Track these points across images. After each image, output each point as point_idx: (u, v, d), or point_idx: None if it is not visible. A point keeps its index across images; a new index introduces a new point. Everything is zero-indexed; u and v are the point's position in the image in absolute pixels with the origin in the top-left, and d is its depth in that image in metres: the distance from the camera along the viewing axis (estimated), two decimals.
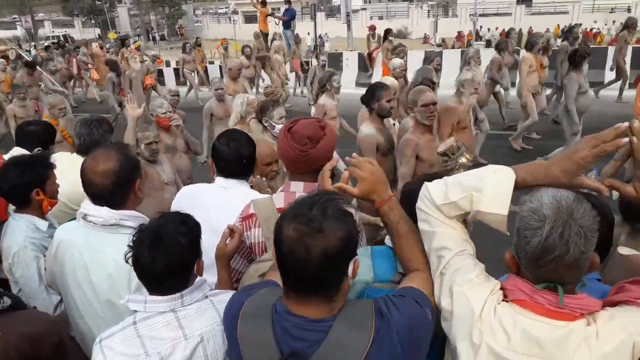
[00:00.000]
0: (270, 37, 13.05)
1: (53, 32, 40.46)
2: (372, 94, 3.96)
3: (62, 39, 29.83)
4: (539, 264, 1.21)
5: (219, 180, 2.32)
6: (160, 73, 14.94)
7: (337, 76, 5.88)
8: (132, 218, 1.89)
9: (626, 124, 1.23)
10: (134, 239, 1.53)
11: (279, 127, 3.79)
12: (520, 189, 1.35)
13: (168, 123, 4.38)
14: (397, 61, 6.47)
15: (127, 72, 10.45)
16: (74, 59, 14.65)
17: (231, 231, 1.85)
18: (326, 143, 1.83)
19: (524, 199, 1.27)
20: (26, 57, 13.78)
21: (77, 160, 2.64)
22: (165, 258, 1.48)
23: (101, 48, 16.41)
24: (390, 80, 5.07)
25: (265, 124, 3.96)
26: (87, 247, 1.89)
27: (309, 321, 1.22)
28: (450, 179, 1.46)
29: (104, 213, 1.86)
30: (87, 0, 41.49)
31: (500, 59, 8.29)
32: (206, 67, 15.00)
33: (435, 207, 1.44)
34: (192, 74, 13.32)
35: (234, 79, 7.17)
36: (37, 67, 10.80)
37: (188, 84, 13.41)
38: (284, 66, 12.13)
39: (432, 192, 1.46)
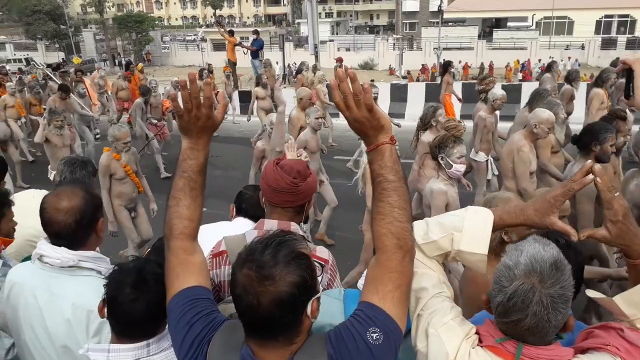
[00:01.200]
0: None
1: (14, 55, 39.58)
2: (595, 135, 3.46)
3: (24, 61, 29.23)
4: (501, 320, 1.24)
5: (240, 219, 2.52)
6: None
7: (441, 110, 5.40)
8: (91, 259, 1.82)
9: (590, 162, 1.30)
10: (111, 278, 1.51)
11: (457, 167, 3.44)
12: (500, 229, 1.38)
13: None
14: (498, 92, 6.10)
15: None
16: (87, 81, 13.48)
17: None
18: (312, 181, 1.93)
19: (509, 248, 1.29)
20: (55, 78, 12.44)
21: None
22: (147, 298, 1.46)
23: (141, 71, 15.17)
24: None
25: (441, 162, 3.53)
26: (42, 290, 1.79)
27: None
28: (431, 219, 1.49)
29: (62, 254, 1.77)
30: (51, 24, 40.80)
31: (572, 90, 7.74)
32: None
33: (415, 246, 1.44)
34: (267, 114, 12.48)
35: (304, 109, 6.52)
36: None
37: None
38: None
39: (414, 231, 1.46)
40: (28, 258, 1.95)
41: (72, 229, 1.79)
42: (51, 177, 6.13)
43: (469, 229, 1.38)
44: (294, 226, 1.90)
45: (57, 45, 42.05)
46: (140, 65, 15.86)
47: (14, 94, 10.27)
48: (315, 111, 5.83)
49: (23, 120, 10.27)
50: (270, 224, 1.89)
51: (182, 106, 1.40)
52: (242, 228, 2.17)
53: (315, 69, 12.73)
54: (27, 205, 2.33)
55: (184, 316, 1.31)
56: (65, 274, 1.79)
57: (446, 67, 11.39)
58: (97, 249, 2.00)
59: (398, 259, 1.30)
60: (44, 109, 10.44)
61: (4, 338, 2.13)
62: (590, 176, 1.26)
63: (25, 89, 11.58)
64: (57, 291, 1.78)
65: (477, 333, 1.32)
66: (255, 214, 2.37)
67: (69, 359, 1.78)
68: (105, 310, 1.52)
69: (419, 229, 1.47)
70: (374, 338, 1.21)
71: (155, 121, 9.71)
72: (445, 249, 1.42)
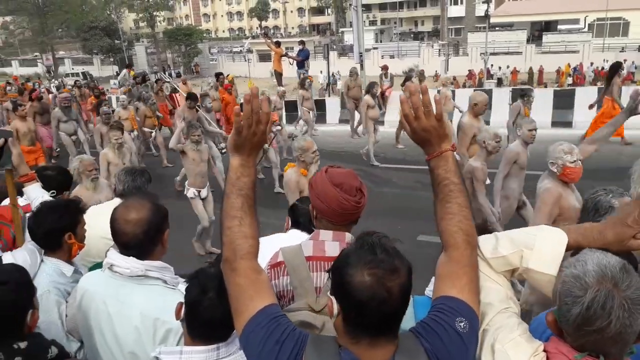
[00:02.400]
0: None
1: (73, 69, 41.66)
2: None
3: (81, 75, 30.75)
4: (580, 333, 1.18)
5: (295, 231, 2.55)
6: None
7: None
8: (158, 269, 1.88)
9: None
10: (194, 282, 1.56)
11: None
12: (572, 250, 1.34)
13: None
14: (478, 96, 6.18)
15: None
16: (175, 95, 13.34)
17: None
18: (366, 191, 1.90)
19: (568, 262, 1.25)
20: (179, 90, 12.27)
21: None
22: (228, 304, 1.47)
23: (184, 83, 15.02)
24: None
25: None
26: (112, 298, 1.87)
27: None
28: (501, 234, 1.48)
29: (131, 264, 1.85)
30: (107, 39, 42.75)
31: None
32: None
33: (483, 260, 1.44)
34: (310, 112, 12.14)
35: (477, 115, 6.12)
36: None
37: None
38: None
39: (482, 245, 1.46)
40: (97, 266, 2.05)
41: (140, 240, 1.87)
42: (189, 195, 6.09)
43: (541, 248, 1.36)
44: (348, 236, 1.89)
45: (111, 59, 43.99)
46: (231, 75, 15.23)
47: (126, 107, 10.24)
48: (530, 122, 5.17)
49: (135, 133, 10.06)
50: (325, 235, 1.88)
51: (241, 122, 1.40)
52: (297, 240, 2.19)
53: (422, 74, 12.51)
54: (97, 210, 2.46)
55: (272, 336, 1.29)
56: (133, 282, 1.87)
57: (617, 68, 10.16)
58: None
59: (469, 254, 1.41)
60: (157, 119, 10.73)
61: (72, 341, 2.24)
62: None
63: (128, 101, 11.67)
64: (126, 299, 1.85)
65: (544, 350, 1.29)
66: (310, 227, 2.39)
67: None
68: (182, 312, 1.57)
69: (487, 244, 1.46)
70: (462, 327, 1.30)
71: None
72: (514, 265, 1.40)
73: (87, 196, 4.03)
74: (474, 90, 7.58)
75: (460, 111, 11.12)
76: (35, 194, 2.90)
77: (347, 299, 1.23)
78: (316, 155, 4.54)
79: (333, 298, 1.30)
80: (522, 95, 8.44)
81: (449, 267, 1.41)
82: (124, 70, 19.04)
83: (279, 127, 9.06)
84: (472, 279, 1.40)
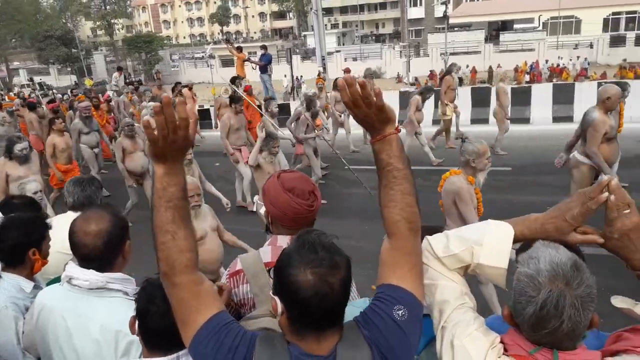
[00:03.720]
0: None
1: (28, 79, 40.35)
2: None
3: (37, 86, 29.76)
4: (534, 331, 1.23)
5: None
6: None
7: None
8: (119, 281, 1.85)
9: (608, 177, 1.31)
10: (142, 292, 1.53)
11: None
12: (518, 242, 1.38)
13: None
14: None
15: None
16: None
17: (220, 289, 1.82)
18: (319, 193, 1.91)
19: (522, 258, 1.29)
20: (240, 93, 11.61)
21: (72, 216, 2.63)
22: None
23: (190, 89, 13.71)
24: None
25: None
26: (71, 312, 1.83)
27: (325, 357, 1.28)
28: (452, 232, 1.50)
29: (90, 276, 1.81)
30: (63, 48, 41.61)
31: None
32: None
33: (436, 259, 1.47)
34: (342, 115, 11.17)
35: (608, 111, 5.58)
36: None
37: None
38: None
39: (434, 244, 1.49)
40: (56, 280, 1.99)
41: (100, 252, 1.83)
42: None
43: (489, 243, 1.39)
44: None
45: (69, 69, 42.83)
46: (191, 84, 14.74)
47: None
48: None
49: None
50: (283, 240, 1.88)
51: (155, 133, 1.29)
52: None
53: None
54: (56, 223, 2.39)
55: (224, 343, 1.28)
56: (93, 295, 1.82)
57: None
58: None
59: (412, 242, 1.42)
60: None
61: (28, 358, 2.18)
62: (606, 194, 1.29)
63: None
64: (85, 312, 1.81)
65: (501, 342, 1.33)
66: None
67: None
68: (137, 325, 1.54)
69: (439, 242, 1.48)
70: (400, 315, 1.33)
71: None
72: (465, 261, 1.43)
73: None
74: (604, 84, 6.81)
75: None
76: None
77: (291, 298, 1.25)
78: (489, 161, 3.91)
79: (276, 298, 1.31)
80: (622, 89, 7.32)
81: (391, 256, 1.43)
82: (115, 74, 18.52)
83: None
84: (415, 265, 1.42)
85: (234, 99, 8.00)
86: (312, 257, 1.25)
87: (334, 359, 1.26)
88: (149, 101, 11.28)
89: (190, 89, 14.11)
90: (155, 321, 1.48)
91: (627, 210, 1.29)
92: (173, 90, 13.45)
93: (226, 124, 7.73)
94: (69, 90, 19.47)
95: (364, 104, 1.37)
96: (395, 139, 1.44)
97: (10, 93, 20.82)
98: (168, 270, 1.35)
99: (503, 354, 1.28)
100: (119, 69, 19.68)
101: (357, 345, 1.28)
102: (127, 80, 17.34)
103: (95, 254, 1.83)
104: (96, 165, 9.11)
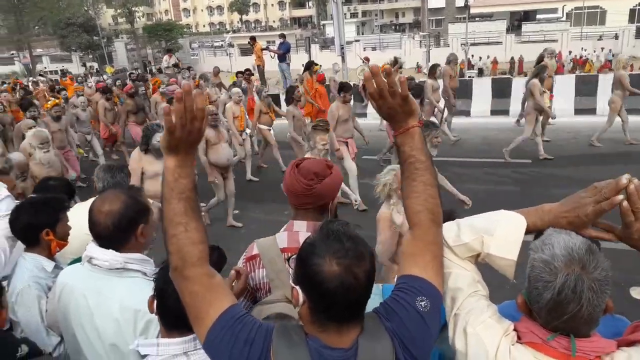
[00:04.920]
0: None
1: (51, 66, 40.88)
2: None
3: (59, 73, 30.15)
4: (552, 316, 1.22)
5: None
6: None
7: None
8: (138, 261, 1.89)
9: (627, 177, 1.26)
10: (160, 273, 1.54)
11: None
12: (530, 233, 1.38)
13: None
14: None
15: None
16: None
17: (237, 273, 1.84)
18: (331, 181, 1.88)
19: (535, 245, 1.28)
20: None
21: None
22: None
23: (215, 75, 13.68)
24: None
25: None
26: (91, 291, 1.87)
27: (346, 350, 1.25)
28: (463, 221, 1.49)
29: (109, 256, 1.85)
30: (85, 35, 42.03)
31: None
32: None
33: (447, 247, 1.46)
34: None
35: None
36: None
37: None
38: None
39: (445, 233, 1.48)
40: (77, 260, 2.04)
41: (109, 231, 1.86)
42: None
43: (501, 234, 1.38)
44: None
45: (90, 56, 43.27)
46: (233, 77, 13.85)
47: (239, 102, 8.47)
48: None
49: (248, 131, 8.76)
50: (299, 225, 1.89)
51: (174, 121, 1.29)
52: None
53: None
54: (84, 207, 2.45)
55: (239, 337, 1.27)
56: (113, 275, 1.86)
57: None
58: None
59: (433, 232, 1.43)
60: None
61: (52, 336, 2.25)
62: (620, 196, 1.25)
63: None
64: (105, 292, 1.85)
65: (515, 330, 1.32)
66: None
67: (117, 357, 1.85)
68: (155, 305, 1.57)
69: (450, 231, 1.48)
70: (423, 306, 1.31)
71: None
72: (476, 250, 1.43)
73: None
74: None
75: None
76: None
77: (316, 289, 1.23)
78: None
79: (298, 288, 1.29)
80: None
81: (412, 246, 1.43)
82: (165, 57, 18.22)
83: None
84: (436, 256, 1.41)
85: (345, 86, 7.18)
86: (337, 247, 1.23)
87: (356, 351, 1.24)
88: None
89: (216, 74, 13.81)
90: (173, 301, 1.49)
91: None
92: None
93: (334, 114, 6.94)
94: (128, 75, 18.62)
95: (389, 95, 1.37)
96: (418, 132, 1.45)
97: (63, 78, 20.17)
98: (180, 263, 1.33)
99: (517, 341, 1.28)
100: (169, 51, 19.00)
101: (379, 336, 1.27)
102: (175, 63, 16.74)
103: (105, 233, 1.87)
104: None
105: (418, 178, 1.43)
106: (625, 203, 1.25)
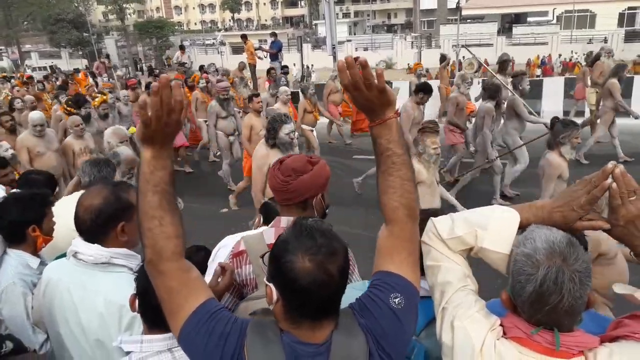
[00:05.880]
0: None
1: (40, 63, 40.49)
2: None
3: (49, 69, 29.81)
4: (535, 309, 1.23)
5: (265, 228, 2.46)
6: None
7: None
8: (123, 257, 1.87)
9: (612, 163, 1.30)
10: (142, 271, 1.52)
11: None
12: (523, 228, 1.39)
13: None
14: None
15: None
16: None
17: (223, 269, 1.83)
18: (310, 177, 1.87)
19: (517, 240, 1.30)
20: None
21: None
22: None
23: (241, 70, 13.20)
24: None
25: None
26: (76, 286, 1.86)
27: (319, 346, 1.25)
28: (457, 215, 1.50)
29: (94, 251, 1.84)
30: (75, 32, 41.64)
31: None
32: None
33: (440, 241, 1.47)
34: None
35: None
36: None
37: None
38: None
39: (438, 226, 1.49)
40: (63, 256, 2.02)
41: (87, 226, 1.87)
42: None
43: (494, 228, 1.39)
44: None
45: (80, 53, 42.89)
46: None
47: (287, 102, 7.88)
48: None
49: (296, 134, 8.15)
50: (286, 221, 1.89)
51: (149, 113, 1.26)
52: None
53: None
54: (72, 201, 2.43)
55: (214, 331, 1.26)
56: (98, 270, 1.85)
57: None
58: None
59: (409, 228, 1.41)
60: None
61: (38, 333, 2.22)
62: (609, 180, 1.29)
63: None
64: (90, 287, 1.83)
65: (501, 325, 1.33)
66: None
67: (102, 352, 1.83)
68: (137, 303, 1.56)
69: (444, 225, 1.48)
70: (397, 302, 1.32)
71: None
72: (469, 244, 1.43)
73: None
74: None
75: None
76: None
77: (289, 286, 1.22)
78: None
79: (272, 285, 1.27)
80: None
81: (389, 242, 1.42)
82: (177, 53, 17.78)
83: None
84: (412, 253, 1.41)
85: (425, 87, 6.37)
86: (310, 243, 1.22)
87: (329, 347, 1.24)
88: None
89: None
90: (155, 299, 1.49)
91: (633, 197, 1.28)
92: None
93: (409, 116, 6.27)
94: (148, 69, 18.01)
95: (364, 87, 1.34)
96: (395, 123, 1.41)
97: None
98: (154, 257, 1.31)
99: (502, 336, 1.29)
100: (181, 48, 18.55)
101: (353, 332, 1.27)
102: (180, 61, 16.36)
103: (84, 227, 1.87)
104: (229, 156, 7.86)
105: (395, 172, 1.40)
106: (614, 184, 1.28)
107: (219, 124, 7.64)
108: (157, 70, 13.52)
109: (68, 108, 7.35)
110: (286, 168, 1.88)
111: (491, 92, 6.78)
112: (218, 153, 8.89)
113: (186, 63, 15.25)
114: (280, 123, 4.45)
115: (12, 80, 16.51)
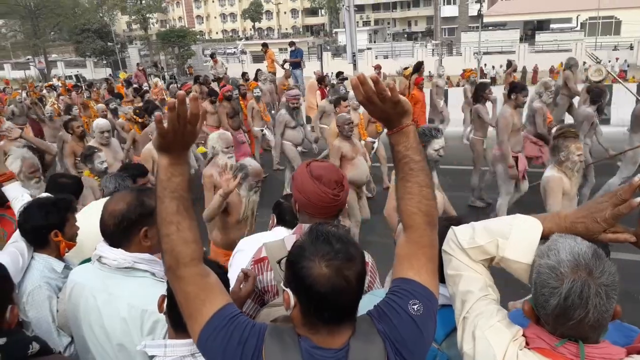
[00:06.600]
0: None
1: (66, 71, 41.43)
2: None
3: (74, 78, 30.49)
4: (559, 323, 1.21)
5: (280, 229, 2.52)
6: None
7: None
8: (146, 261, 1.89)
9: (638, 177, 1.28)
10: None
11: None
12: (545, 239, 1.37)
13: None
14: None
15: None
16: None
17: (245, 275, 1.84)
18: (347, 185, 1.92)
19: (540, 251, 1.28)
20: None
21: None
22: None
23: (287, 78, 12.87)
24: None
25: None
26: (100, 290, 1.88)
27: (337, 351, 1.25)
28: (478, 224, 1.49)
29: (118, 255, 1.86)
30: (99, 41, 42.59)
31: None
32: None
33: (461, 250, 1.46)
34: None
35: None
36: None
37: None
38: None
39: (459, 235, 1.48)
40: (88, 260, 2.06)
41: (111, 230, 1.89)
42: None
43: (516, 237, 1.38)
44: None
45: (104, 62, 43.81)
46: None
47: (357, 108, 7.11)
48: None
49: (363, 142, 7.20)
50: None
51: (166, 126, 1.30)
52: (282, 236, 2.20)
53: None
54: (97, 207, 2.48)
55: (233, 336, 1.27)
56: (121, 274, 1.87)
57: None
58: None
59: (428, 234, 1.41)
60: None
61: (63, 336, 2.26)
62: (638, 199, 1.25)
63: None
64: (114, 291, 1.86)
65: (523, 335, 1.31)
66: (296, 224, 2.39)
67: (124, 356, 1.85)
68: (165, 305, 1.57)
69: (465, 234, 1.47)
70: (415, 309, 1.31)
71: None
72: (490, 253, 1.42)
73: None
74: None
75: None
76: (15, 193, 2.93)
77: (306, 292, 1.23)
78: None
79: (289, 291, 1.28)
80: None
81: (407, 249, 1.42)
82: (211, 62, 17.78)
83: None
84: (431, 259, 1.41)
85: (517, 86, 5.76)
86: (327, 249, 1.23)
87: (347, 353, 1.24)
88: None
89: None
90: None
91: None
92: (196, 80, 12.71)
93: (508, 123, 5.60)
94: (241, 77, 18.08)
95: (378, 100, 1.37)
96: (412, 130, 1.43)
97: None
98: (173, 263, 1.33)
99: (525, 347, 1.27)
100: (212, 56, 18.43)
101: (371, 339, 1.27)
102: (217, 74, 16.42)
103: (107, 232, 1.90)
104: (294, 169, 7.06)
105: (412, 179, 1.42)
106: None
107: (286, 133, 7.28)
108: (201, 78, 13.35)
109: (135, 117, 7.30)
110: (329, 182, 1.86)
111: (594, 95, 6.19)
112: (277, 168, 8.54)
113: (225, 72, 15.11)
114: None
115: (58, 89, 16.81)
